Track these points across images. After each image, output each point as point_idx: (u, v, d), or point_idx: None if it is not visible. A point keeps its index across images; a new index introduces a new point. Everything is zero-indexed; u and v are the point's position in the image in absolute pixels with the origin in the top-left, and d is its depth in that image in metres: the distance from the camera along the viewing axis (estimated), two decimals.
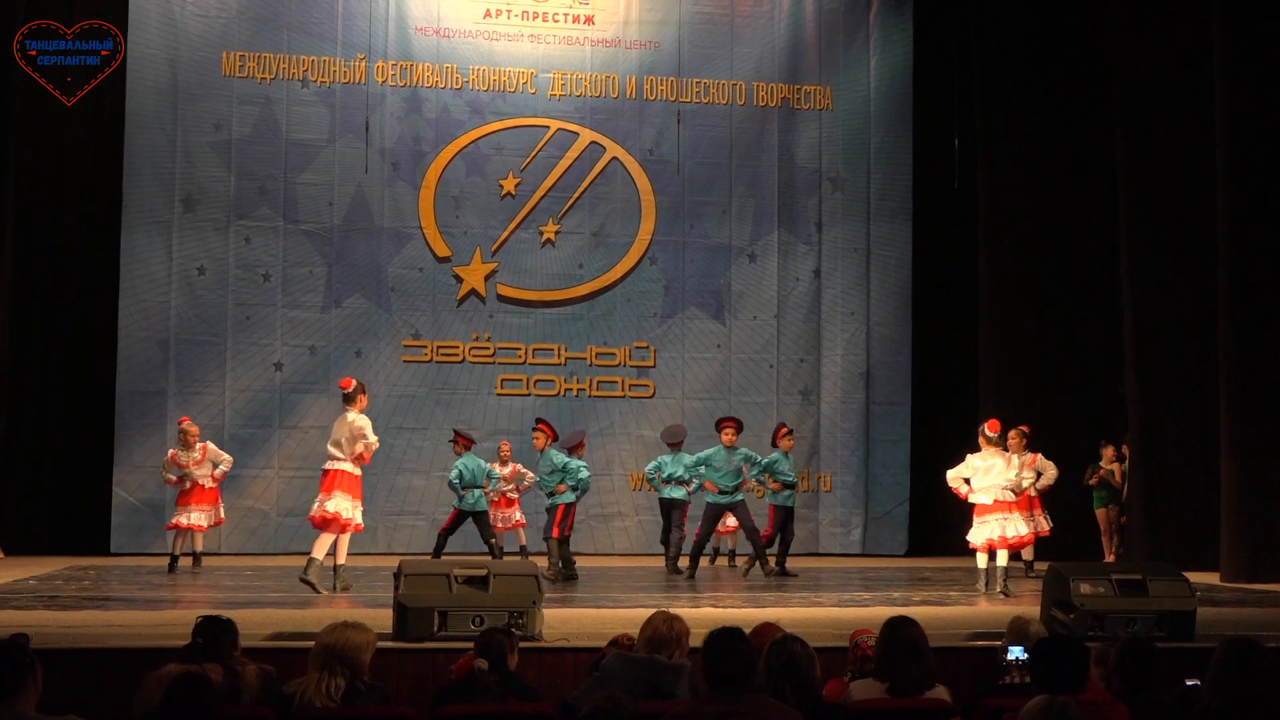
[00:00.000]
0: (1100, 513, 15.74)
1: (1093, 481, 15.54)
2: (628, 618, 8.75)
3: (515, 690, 5.72)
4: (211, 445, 13.95)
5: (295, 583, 12.33)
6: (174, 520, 13.67)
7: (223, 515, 14.21)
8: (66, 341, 15.89)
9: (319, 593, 10.91)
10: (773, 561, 13.53)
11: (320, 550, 11.26)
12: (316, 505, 11.41)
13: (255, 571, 13.49)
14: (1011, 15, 17.13)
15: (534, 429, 13.44)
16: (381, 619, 8.18)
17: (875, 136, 17.74)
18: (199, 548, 13.90)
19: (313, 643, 5.47)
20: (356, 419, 11.40)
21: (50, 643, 7.32)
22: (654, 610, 5.88)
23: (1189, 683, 5.48)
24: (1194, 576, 9.75)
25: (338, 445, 11.41)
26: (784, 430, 14.16)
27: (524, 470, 14.65)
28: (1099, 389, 16.92)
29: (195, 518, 13.60)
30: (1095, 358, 16.92)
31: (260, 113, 16.40)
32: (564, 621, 8.65)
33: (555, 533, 12.90)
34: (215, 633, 5.81)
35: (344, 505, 11.29)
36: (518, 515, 14.85)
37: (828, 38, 17.79)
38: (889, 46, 17.83)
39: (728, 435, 13.43)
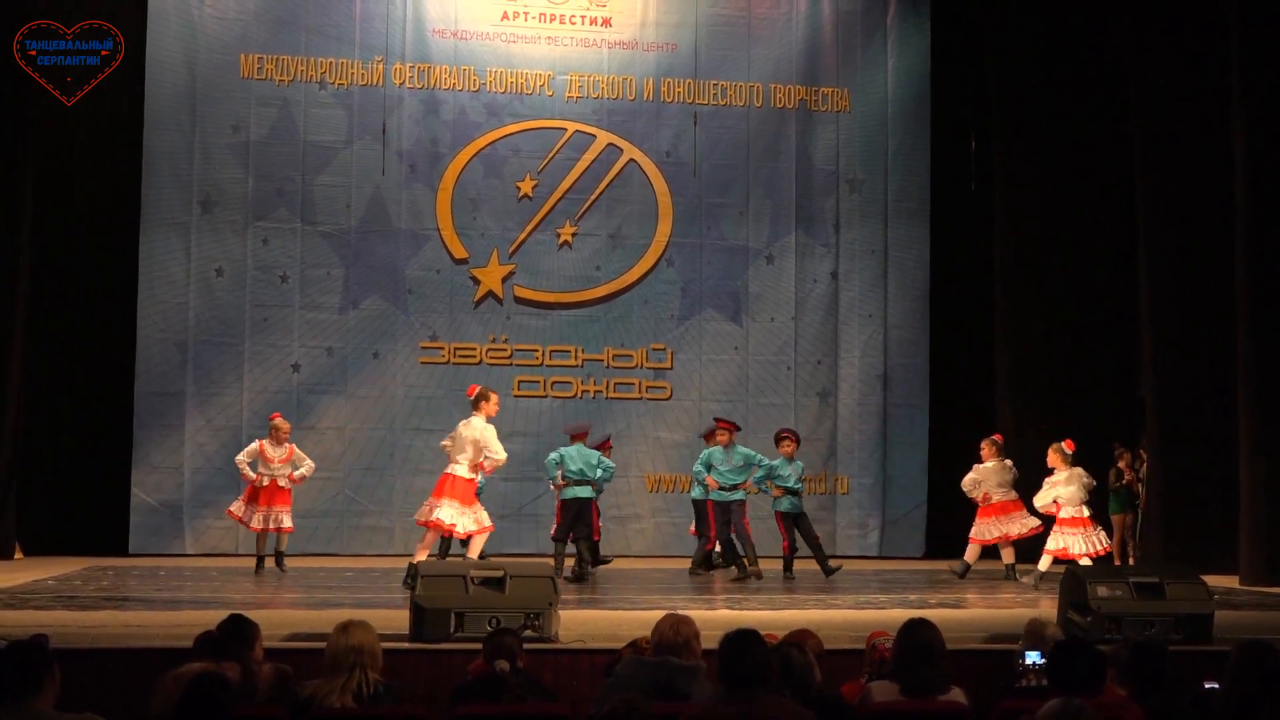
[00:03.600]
0: (1116, 518, 15.70)
1: (1123, 483, 15.54)
2: (644, 619, 8.76)
3: (534, 690, 5.74)
4: (296, 448, 13.96)
5: (312, 583, 12.39)
6: (250, 520, 13.50)
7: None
8: (84, 342, 15.93)
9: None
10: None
11: (421, 554, 11.70)
12: (426, 508, 11.96)
13: (273, 572, 13.52)
14: (1027, 17, 17.07)
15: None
16: (398, 620, 8.20)
17: (892, 138, 17.71)
18: (284, 547, 13.79)
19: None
20: (485, 429, 11.80)
21: (69, 642, 7.36)
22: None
23: (1206, 685, 5.46)
24: (1213, 579, 9.72)
25: (461, 450, 11.85)
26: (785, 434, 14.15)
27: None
28: (1114, 391, 16.86)
29: (281, 519, 13.55)
30: (1111, 359, 16.85)
31: (278, 114, 16.44)
32: (580, 623, 8.66)
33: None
34: (235, 630, 5.84)
35: (447, 512, 11.62)
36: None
37: (845, 40, 17.75)
38: (906, 49, 17.80)
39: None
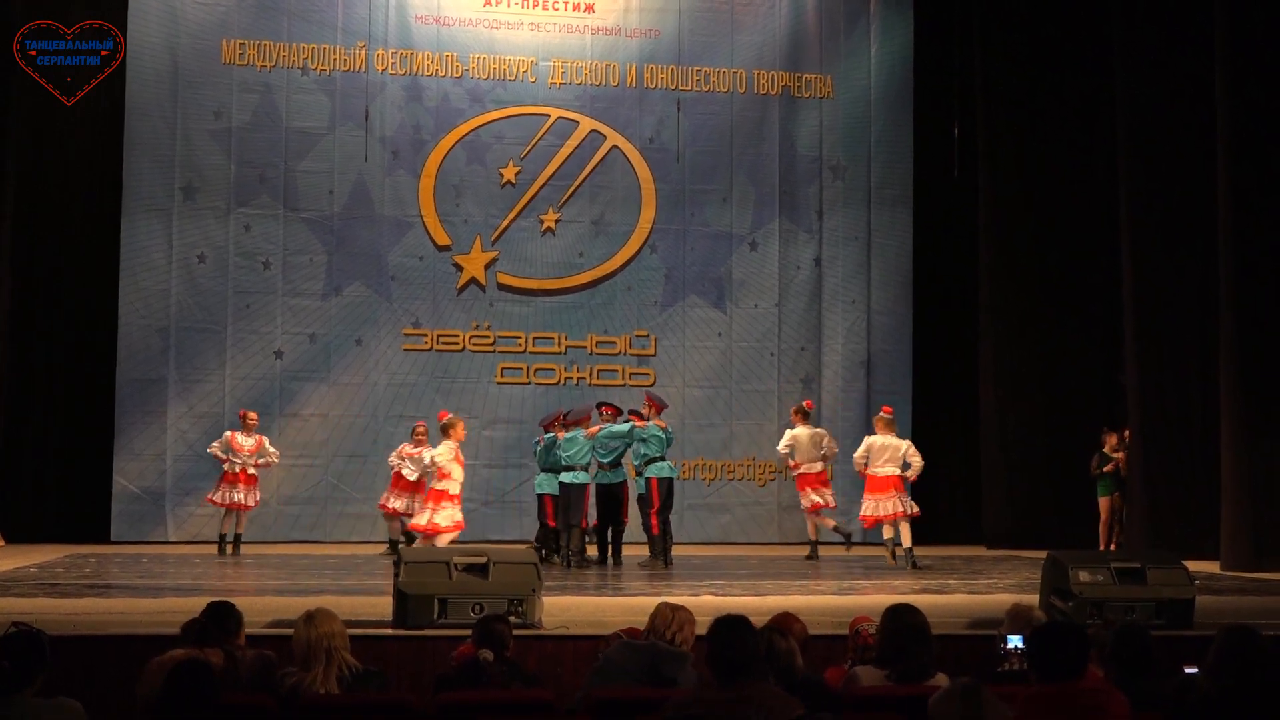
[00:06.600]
0: (1104, 501, 15.68)
1: (1107, 469, 15.52)
2: (628, 606, 8.77)
3: (517, 677, 5.74)
4: (265, 440, 14.44)
5: (295, 570, 12.34)
6: (220, 498, 14.10)
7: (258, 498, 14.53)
8: (67, 329, 15.89)
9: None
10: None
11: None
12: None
13: (256, 559, 13.51)
14: (1011, 3, 17.09)
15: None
16: (381, 606, 8.20)
17: (876, 125, 17.71)
18: (241, 530, 14.29)
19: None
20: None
21: (51, 630, 7.29)
22: (654, 600, 5.90)
23: (1188, 670, 5.47)
24: (1194, 565, 9.76)
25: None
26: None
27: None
28: (1099, 376, 16.91)
29: (242, 496, 14.06)
30: (1095, 345, 16.90)
31: (260, 100, 16.38)
32: (563, 609, 8.65)
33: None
34: (219, 616, 5.84)
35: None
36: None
37: (828, 26, 17.75)
38: (889, 35, 17.80)
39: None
